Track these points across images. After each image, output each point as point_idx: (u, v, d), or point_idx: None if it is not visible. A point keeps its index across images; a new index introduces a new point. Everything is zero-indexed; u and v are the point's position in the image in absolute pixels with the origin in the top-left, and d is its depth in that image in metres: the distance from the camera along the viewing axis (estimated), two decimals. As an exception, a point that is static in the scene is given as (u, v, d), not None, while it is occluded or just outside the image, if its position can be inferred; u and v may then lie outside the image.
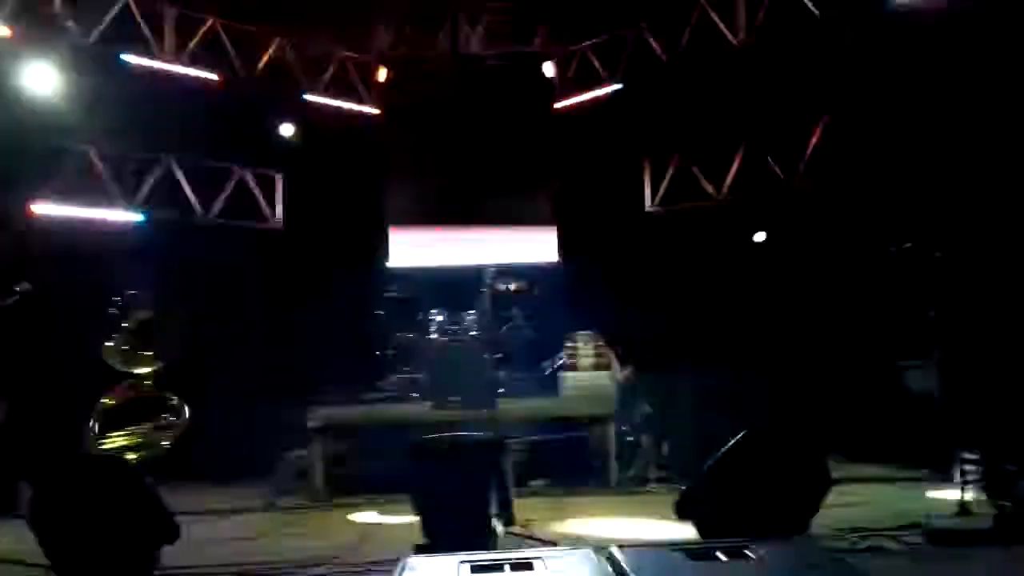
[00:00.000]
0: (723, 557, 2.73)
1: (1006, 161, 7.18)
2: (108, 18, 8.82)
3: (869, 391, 8.13)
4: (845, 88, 8.77)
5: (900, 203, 7.90)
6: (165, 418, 7.33)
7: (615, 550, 2.81)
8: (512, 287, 8.48)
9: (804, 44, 8.72)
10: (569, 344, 8.21)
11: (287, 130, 9.95)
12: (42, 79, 8.41)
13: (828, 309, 8.73)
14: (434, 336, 8.26)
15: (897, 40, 7.96)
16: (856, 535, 4.74)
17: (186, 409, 7.38)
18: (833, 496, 4.84)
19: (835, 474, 5.31)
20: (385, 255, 10.36)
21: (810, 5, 8.73)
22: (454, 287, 8.66)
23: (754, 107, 9.32)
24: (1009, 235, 7.00)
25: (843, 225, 8.74)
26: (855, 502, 6.06)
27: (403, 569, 2.80)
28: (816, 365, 8.58)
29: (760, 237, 9.13)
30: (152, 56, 9.11)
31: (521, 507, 5.20)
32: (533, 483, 7.44)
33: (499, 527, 4.60)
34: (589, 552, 2.83)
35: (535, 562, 2.78)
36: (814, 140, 9.13)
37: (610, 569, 2.64)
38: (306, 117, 10.08)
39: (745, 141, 9.61)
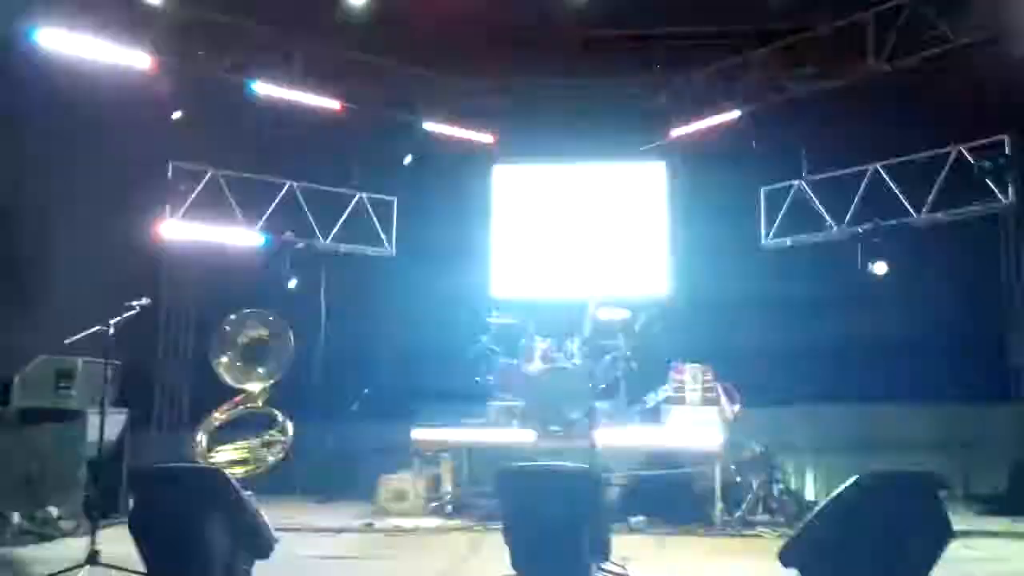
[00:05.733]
0: (825, 609, 2.51)
1: None
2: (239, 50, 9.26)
3: (998, 436, 7.57)
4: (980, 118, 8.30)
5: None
6: (271, 434, 7.49)
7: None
8: (614, 316, 8.31)
9: (935, 70, 8.30)
10: (676, 377, 7.96)
11: (408, 159, 10.16)
12: (172, 106, 8.92)
13: (955, 345, 8.20)
14: (536, 363, 8.18)
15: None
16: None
17: (291, 426, 7.52)
18: (957, 550, 4.46)
19: (961, 527, 4.92)
20: (491, 283, 10.41)
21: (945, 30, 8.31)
22: (558, 315, 8.56)
23: (881, 136, 8.92)
24: None
25: (971, 259, 8.22)
26: (979, 557, 5.59)
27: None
28: (939, 405, 8.06)
29: (881, 269, 8.65)
30: (279, 84, 9.47)
31: (619, 544, 5.01)
32: (633, 520, 7.18)
33: (592, 563, 4.44)
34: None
35: (619, 601, 2.63)
36: (945, 171, 8.62)
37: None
38: (423, 143, 10.27)
39: (871, 171, 9.18)
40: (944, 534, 4.10)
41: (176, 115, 9.01)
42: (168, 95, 8.95)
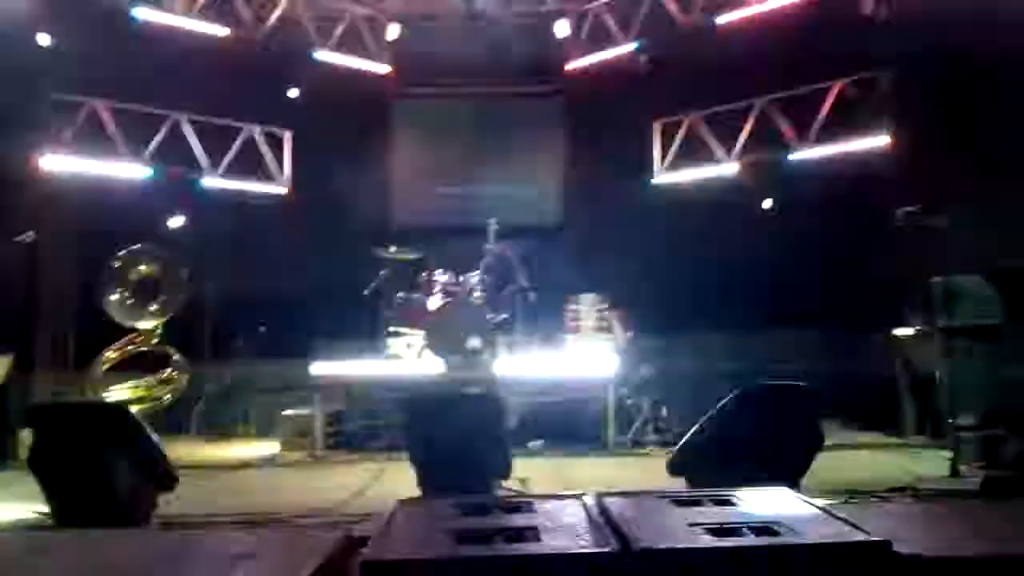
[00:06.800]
0: (709, 504, 2.74)
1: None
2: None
3: (871, 359, 8.13)
4: (861, 52, 8.68)
5: (909, 167, 7.85)
6: (167, 373, 7.37)
7: (602, 495, 2.82)
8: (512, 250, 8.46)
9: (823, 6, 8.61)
10: (571, 307, 8.20)
11: (293, 92, 9.89)
12: (51, 32, 8.40)
13: (832, 275, 8.71)
14: (436, 297, 8.26)
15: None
16: (846, 495, 4.76)
17: (187, 364, 7.42)
18: (828, 461, 4.85)
19: (831, 440, 5.34)
20: (390, 215, 10.37)
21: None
22: (458, 248, 8.63)
23: (770, 69, 9.24)
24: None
25: (850, 189, 8.69)
26: (849, 467, 6.09)
27: (395, 512, 2.82)
28: (817, 331, 8.59)
29: (768, 204, 9.08)
30: (163, 10, 9.04)
31: (518, 467, 5.21)
32: (531, 444, 7.47)
33: (495, 481, 4.64)
34: (577, 496, 2.85)
35: (524, 505, 2.80)
36: (828, 103, 9.03)
37: (597, 511, 2.66)
38: (315, 74, 10.01)
39: (757, 104, 9.52)
40: (816, 443, 4.49)
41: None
42: (45, 19, 8.43)
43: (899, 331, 7.95)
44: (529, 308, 8.46)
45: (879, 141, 8.58)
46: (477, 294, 8.15)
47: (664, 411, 7.83)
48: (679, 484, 4.41)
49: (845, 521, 2.42)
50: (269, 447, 7.75)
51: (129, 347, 7.31)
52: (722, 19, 9.24)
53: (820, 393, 4.54)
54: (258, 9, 9.77)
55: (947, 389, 5.86)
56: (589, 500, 2.81)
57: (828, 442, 4.79)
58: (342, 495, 5.79)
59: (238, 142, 9.90)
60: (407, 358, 8.00)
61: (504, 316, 8.20)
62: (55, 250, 8.80)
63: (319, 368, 7.61)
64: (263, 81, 9.87)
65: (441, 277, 8.40)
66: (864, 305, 8.65)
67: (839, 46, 8.83)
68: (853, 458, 6.64)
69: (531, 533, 2.45)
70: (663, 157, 10.22)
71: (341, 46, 10.27)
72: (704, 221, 9.31)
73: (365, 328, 8.48)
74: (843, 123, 8.94)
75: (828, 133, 9.06)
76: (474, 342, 7.59)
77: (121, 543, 2.80)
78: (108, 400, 6.93)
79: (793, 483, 4.21)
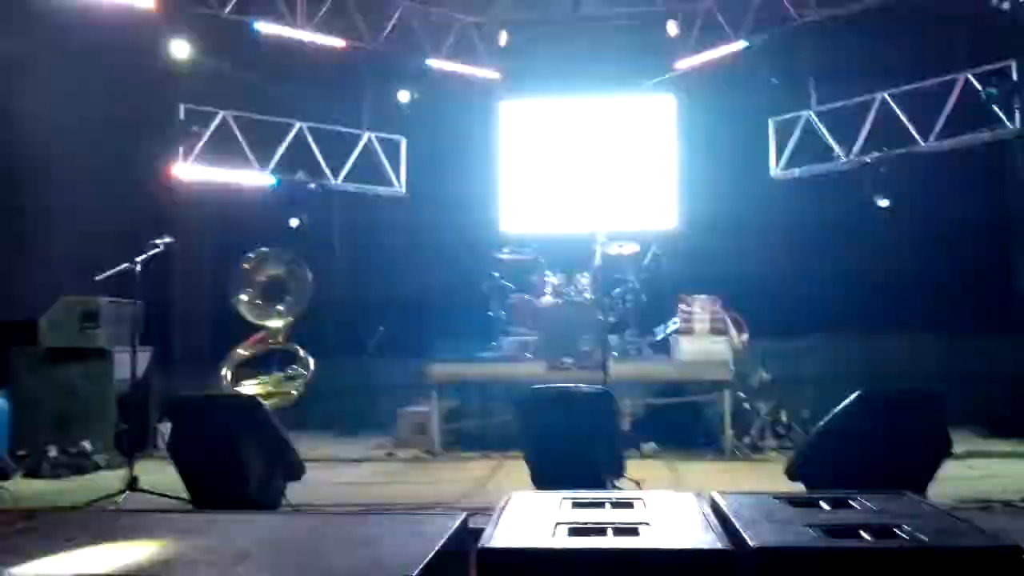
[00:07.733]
0: (826, 506, 2.69)
1: None
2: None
3: (1005, 363, 7.71)
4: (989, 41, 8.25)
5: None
6: (294, 369, 7.71)
7: (716, 494, 2.81)
8: (624, 250, 8.42)
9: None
10: (684, 308, 8.10)
11: (404, 95, 10.16)
12: (181, 48, 8.93)
13: (963, 275, 8.30)
14: (547, 298, 8.32)
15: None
16: (977, 505, 4.54)
17: (312, 361, 7.74)
18: (957, 469, 4.63)
19: (962, 447, 5.09)
20: (500, 219, 10.51)
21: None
22: (568, 249, 8.66)
23: (888, 64, 8.89)
24: None
25: (981, 186, 8.28)
26: (983, 475, 5.79)
27: (507, 502, 2.90)
28: (948, 335, 8.20)
29: (884, 203, 8.71)
30: (283, 24, 9.47)
31: (632, 468, 5.21)
32: (644, 446, 7.42)
33: (608, 480, 4.65)
34: (690, 495, 2.85)
35: (636, 502, 2.82)
36: (953, 98, 8.61)
37: (710, 510, 2.65)
38: (428, 81, 10.27)
39: (879, 100, 9.17)
40: (942, 450, 4.29)
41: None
42: (173, 35, 8.97)
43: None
44: (641, 309, 8.42)
45: (1009, 134, 8.12)
46: (588, 295, 8.16)
47: (783, 415, 7.63)
48: (798, 490, 4.31)
49: (970, 525, 2.33)
50: (388, 443, 7.99)
51: (258, 345, 7.69)
52: (837, 12, 8.95)
53: (948, 397, 4.34)
54: (373, 20, 10.07)
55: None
56: (703, 499, 2.81)
57: (958, 449, 4.59)
58: (458, 489, 5.93)
59: (357, 149, 10.26)
60: (521, 358, 8.09)
61: (615, 317, 8.17)
62: (190, 253, 9.36)
63: (436, 367, 7.79)
64: (379, 89, 10.23)
65: (552, 278, 8.46)
66: (999, 307, 8.22)
67: (965, 36, 8.44)
68: (985, 466, 6.29)
69: (643, 528, 2.47)
70: (779, 154, 9.97)
71: (452, 53, 10.50)
72: (824, 220, 9.04)
73: (480, 328, 8.63)
74: (971, 116, 8.50)
75: (955, 127, 8.63)
76: (585, 343, 7.62)
77: (253, 526, 2.97)
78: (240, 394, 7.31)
79: (918, 491, 4.06)
